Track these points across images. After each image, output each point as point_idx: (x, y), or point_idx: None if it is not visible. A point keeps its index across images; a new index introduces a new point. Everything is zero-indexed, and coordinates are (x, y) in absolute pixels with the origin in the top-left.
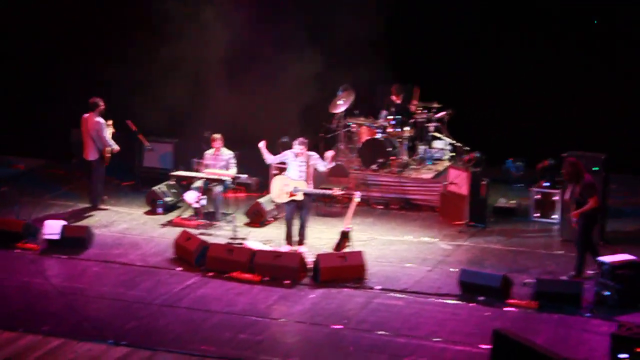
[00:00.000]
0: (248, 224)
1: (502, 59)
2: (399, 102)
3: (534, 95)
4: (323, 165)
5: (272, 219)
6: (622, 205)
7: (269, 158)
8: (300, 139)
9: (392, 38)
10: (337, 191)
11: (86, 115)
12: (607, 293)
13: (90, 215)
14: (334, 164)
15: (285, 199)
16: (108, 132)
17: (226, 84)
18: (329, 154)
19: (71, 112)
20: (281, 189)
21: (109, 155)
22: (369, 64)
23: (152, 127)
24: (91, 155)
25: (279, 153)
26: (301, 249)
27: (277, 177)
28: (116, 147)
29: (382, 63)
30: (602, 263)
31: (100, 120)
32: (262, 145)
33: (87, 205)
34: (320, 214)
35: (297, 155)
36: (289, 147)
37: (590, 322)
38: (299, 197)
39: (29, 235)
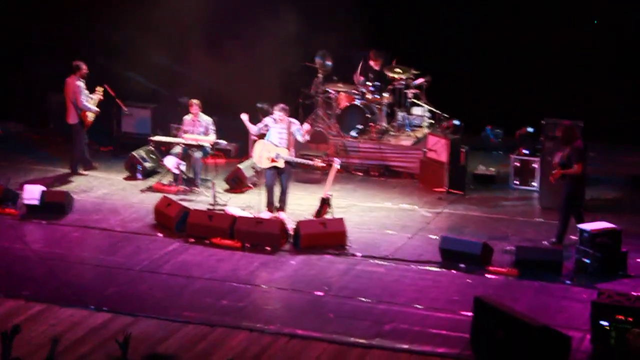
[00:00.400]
0: (228, 190)
1: (480, 25)
2: (377, 68)
3: (512, 62)
4: (300, 136)
5: (252, 185)
6: (600, 173)
7: (252, 129)
8: (281, 105)
9: (369, 2)
10: (318, 162)
11: (68, 78)
12: (587, 261)
13: (69, 181)
14: (308, 137)
15: (266, 164)
16: (94, 97)
17: (204, 49)
18: (306, 127)
19: (48, 76)
20: (263, 154)
21: (90, 119)
22: (346, 29)
23: (130, 91)
24: (71, 118)
25: (258, 119)
26: (281, 215)
27: (260, 141)
28: (95, 109)
29: (358, 28)
30: (582, 231)
31: (79, 83)
32: (244, 117)
33: (67, 170)
34: (300, 181)
35: (277, 121)
36: (267, 112)
37: (571, 289)
38: (280, 163)
39: (8, 200)
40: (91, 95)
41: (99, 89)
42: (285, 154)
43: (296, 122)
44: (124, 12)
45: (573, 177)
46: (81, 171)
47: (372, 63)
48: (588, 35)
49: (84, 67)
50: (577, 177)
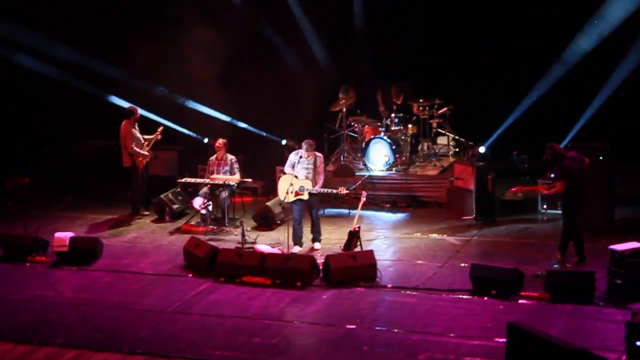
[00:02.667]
0: (256, 228)
1: (503, 51)
2: (399, 102)
3: (536, 86)
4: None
5: (280, 222)
6: (630, 194)
7: (287, 170)
8: (307, 140)
9: (389, 35)
10: (343, 190)
11: (123, 122)
12: (619, 282)
13: (100, 226)
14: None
15: (291, 198)
16: (150, 138)
17: (229, 89)
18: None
19: (73, 124)
20: (287, 189)
21: (143, 163)
22: (367, 62)
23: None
24: (125, 162)
25: (284, 156)
26: (316, 245)
27: (283, 177)
28: (145, 153)
29: (380, 60)
30: (614, 251)
31: (130, 127)
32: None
33: (93, 215)
34: (329, 215)
35: (304, 156)
36: (292, 149)
37: (604, 311)
38: (305, 196)
39: (38, 248)
40: (147, 137)
41: (158, 130)
42: (309, 186)
43: (320, 155)
44: (147, 55)
45: (564, 196)
46: (142, 212)
47: (394, 99)
48: (612, 57)
49: (137, 112)
50: (567, 196)
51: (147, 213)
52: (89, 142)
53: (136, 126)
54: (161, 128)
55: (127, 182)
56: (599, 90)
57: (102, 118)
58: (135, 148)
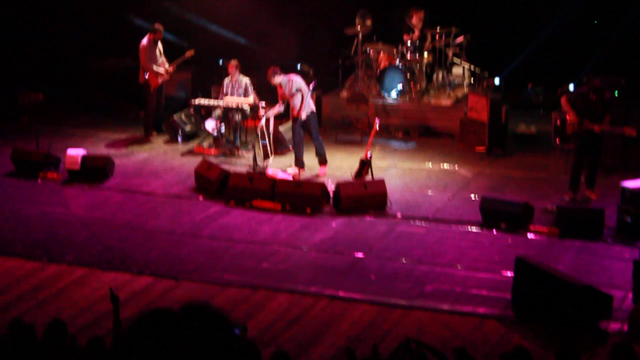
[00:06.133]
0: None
1: None
2: (418, 23)
3: (554, 19)
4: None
5: (292, 147)
6: None
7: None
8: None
9: None
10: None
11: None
12: (629, 219)
13: (110, 144)
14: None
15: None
16: (177, 61)
17: (245, 10)
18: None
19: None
20: None
21: (157, 81)
22: None
23: (170, 53)
24: (140, 78)
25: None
26: (321, 170)
27: None
28: (161, 70)
29: None
30: (625, 189)
31: (147, 42)
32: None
33: (106, 133)
34: (340, 142)
35: None
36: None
37: (612, 248)
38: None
39: (50, 165)
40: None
41: (189, 52)
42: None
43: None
44: None
45: None
46: (152, 134)
47: (414, 20)
48: None
49: (159, 30)
50: None
51: (156, 135)
52: (106, 60)
53: (159, 45)
54: (191, 51)
55: (142, 102)
56: (616, 24)
57: (120, 37)
58: (149, 63)
